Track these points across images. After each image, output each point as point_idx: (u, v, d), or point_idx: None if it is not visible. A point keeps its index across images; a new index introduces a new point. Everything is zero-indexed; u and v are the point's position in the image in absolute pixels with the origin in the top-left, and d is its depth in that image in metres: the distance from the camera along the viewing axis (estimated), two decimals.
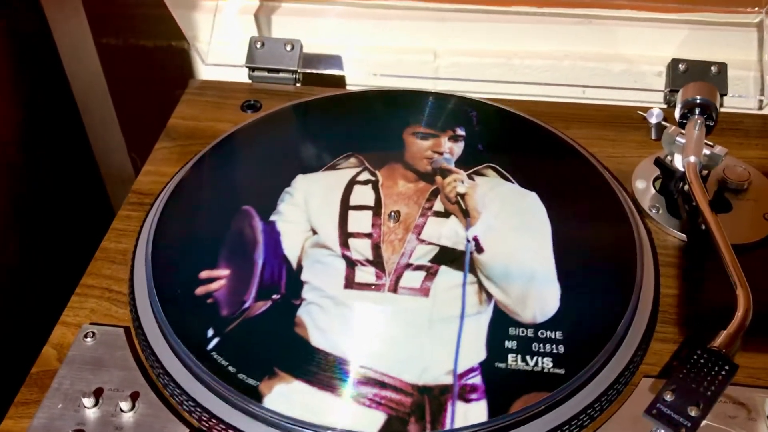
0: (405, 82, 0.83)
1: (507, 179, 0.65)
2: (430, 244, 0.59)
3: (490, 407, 0.47)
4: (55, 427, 0.49)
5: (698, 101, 0.64)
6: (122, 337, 0.54)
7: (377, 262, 0.57)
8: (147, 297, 0.55)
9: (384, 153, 0.67)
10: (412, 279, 0.56)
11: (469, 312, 0.53)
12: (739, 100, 0.78)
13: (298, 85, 0.80)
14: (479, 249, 0.58)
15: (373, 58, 0.87)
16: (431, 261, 0.57)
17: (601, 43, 0.87)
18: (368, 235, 0.59)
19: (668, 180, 0.64)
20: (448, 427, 0.46)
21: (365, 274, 0.56)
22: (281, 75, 0.79)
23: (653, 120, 0.64)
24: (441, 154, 0.67)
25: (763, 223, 0.62)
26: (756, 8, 0.80)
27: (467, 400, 0.48)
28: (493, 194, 0.63)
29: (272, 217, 0.61)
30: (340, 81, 0.88)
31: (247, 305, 0.54)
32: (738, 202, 0.64)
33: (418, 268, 0.57)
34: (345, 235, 0.59)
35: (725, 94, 0.74)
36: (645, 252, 0.59)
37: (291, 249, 0.58)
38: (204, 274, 0.56)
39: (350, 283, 0.56)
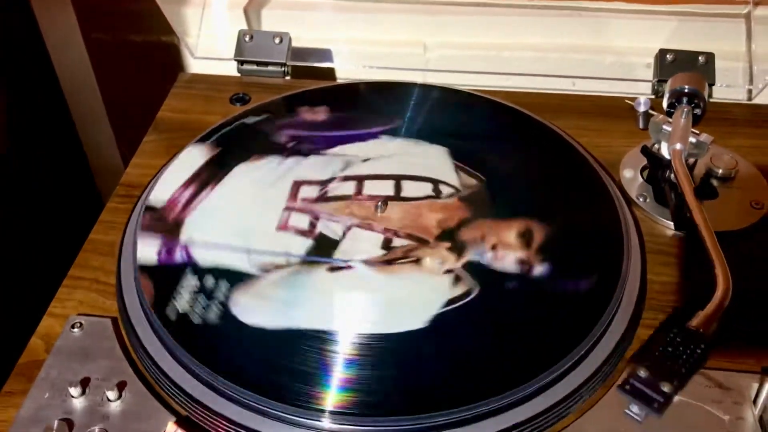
0: (395, 74, 0.83)
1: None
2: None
3: None
4: (41, 417, 0.49)
5: (686, 90, 0.64)
6: (109, 327, 0.54)
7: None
8: (134, 288, 0.55)
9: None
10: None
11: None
12: (727, 90, 0.78)
13: (287, 78, 0.80)
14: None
15: (362, 51, 0.88)
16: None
17: (591, 35, 0.87)
18: (387, 231, 0.59)
19: (655, 168, 0.64)
20: None
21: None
22: (270, 68, 0.80)
23: (641, 108, 0.64)
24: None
25: (750, 211, 0.62)
26: None
27: None
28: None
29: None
30: (329, 73, 0.88)
31: None
32: (725, 190, 0.64)
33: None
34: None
35: (713, 84, 0.74)
36: (632, 239, 0.59)
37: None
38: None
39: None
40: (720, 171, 0.65)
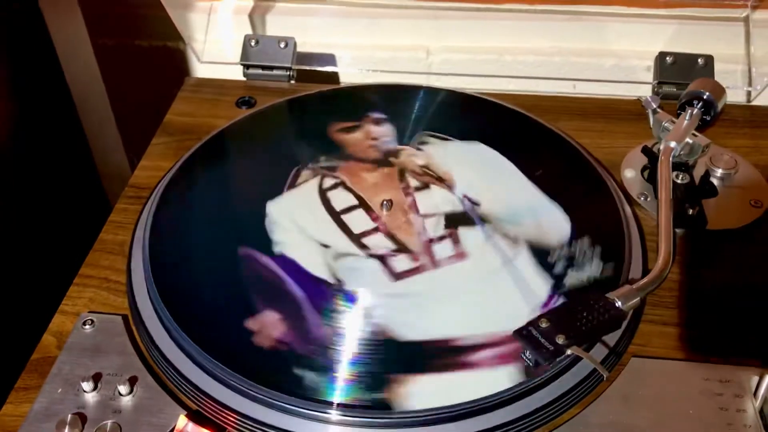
0: (398, 77, 0.84)
1: (446, 139, 0.68)
2: (434, 215, 0.61)
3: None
4: (55, 411, 0.49)
5: (704, 96, 0.66)
6: (120, 324, 0.55)
7: (403, 248, 0.58)
8: (144, 285, 0.56)
9: (326, 156, 0.67)
10: (444, 249, 0.58)
11: (510, 256, 0.57)
12: (727, 92, 0.79)
13: (292, 82, 0.81)
14: (475, 203, 0.61)
15: (366, 56, 0.89)
16: (446, 228, 0.59)
17: (592, 38, 0.88)
18: (376, 230, 0.60)
19: (656, 168, 0.65)
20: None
21: (402, 262, 0.57)
22: (275, 72, 0.81)
23: (654, 105, 0.66)
24: (376, 139, 0.69)
25: (749, 209, 0.63)
26: (742, 2, 0.81)
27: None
28: (447, 155, 0.67)
29: (276, 249, 0.58)
30: (333, 78, 0.89)
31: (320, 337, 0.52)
32: (725, 189, 0.65)
33: (441, 238, 0.59)
34: (356, 238, 0.59)
35: None
36: (633, 237, 0.60)
37: (318, 269, 0.57)
38: (253, 326, 0.53)
39: (396, 275, 0.56)
40: (720, 170, 0.66)
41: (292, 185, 0.64)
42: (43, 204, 0.83)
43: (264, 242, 0.59)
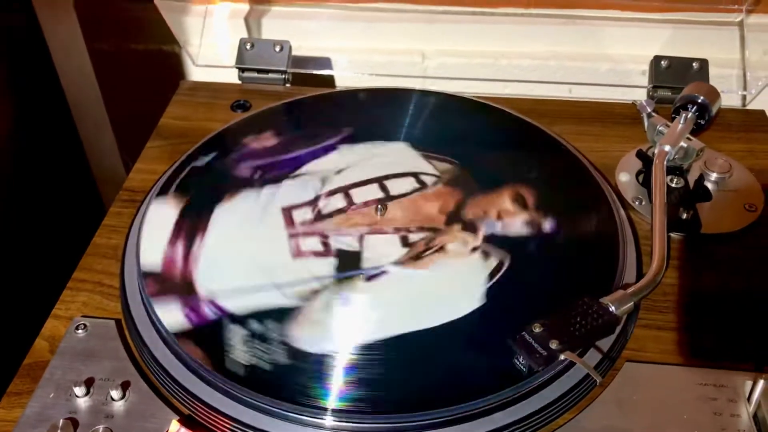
0: (394, 81, 0.84)
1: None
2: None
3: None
4: (47, 416, 0.49)
5: (699, 100, 0.66)
6: (113, 328, 0.55)
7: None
8: (138, 290, 0.56)
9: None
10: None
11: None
12: (722, 95, 0.79)
13: (288, 85, 0.81)
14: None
15: (361, 59, 0.89)
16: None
17: (587, 43, 0.88)
18: (398, 230, 0.60)
19: (650, 172, 0.65)
20: None
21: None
22: (271, 75, 0.81)
23: (648, 109, 0.65)
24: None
25: (744, 213, 0.63)
26: (736, 6, 0.81)
27: None
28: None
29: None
30: (329, 81, 0.89)
31: None
32: (720, 193, 0.65)
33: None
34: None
35: None
36: (627, 241, 0.60)
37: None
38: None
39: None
40: (714, 174, 0.66)
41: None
42: (37, 207, 0.83)
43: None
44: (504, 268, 0.56)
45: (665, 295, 0.57)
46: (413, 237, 0.59)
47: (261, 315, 0.53)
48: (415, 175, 0.65)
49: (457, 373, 0.50)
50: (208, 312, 0.54)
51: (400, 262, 0.57)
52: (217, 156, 0.68)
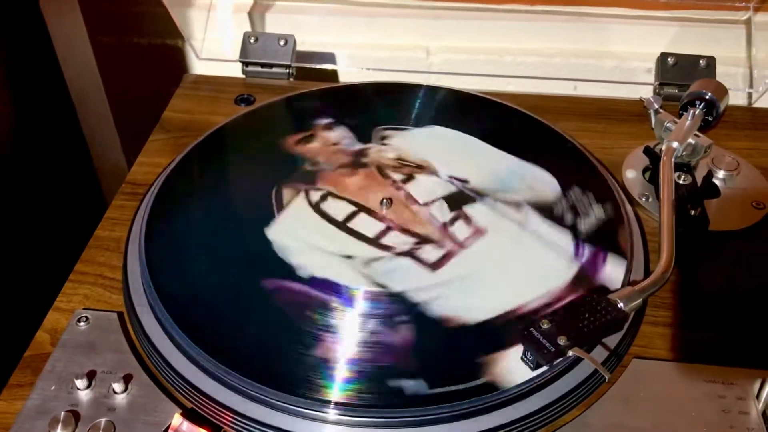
0: (398, 76, 0.84)
1: (403, 129, 0.69)
2: (434, 201, 0.61)
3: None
4: (48, 408, 0.49)
5: (707, 96, 0.65)
6: (115, 321, 0.55)
7: (424, 239, 0.58)
8: (140, 281, 0.56)
9: (296, 171, 0.65)
10: (461, 230, 0.59)
11: (522, 220, 0.59)
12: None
13: (291, 79, 0.81)
14: (464, 181, 0.62)
15: (365, 55, 0.88)
16: (452, 211, 0.60)
17: (592, 40, 0.88)
18: (388, 229, 0.59)
19: (658, 169, 0.65)
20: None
21: (431, 253, 0.57)
22: (275, 70, 0.80)
23: (656, 105, 0.65)
24: (336, 144, 0.68)
25: (751, 211, 0.63)
26: (744, 4, 0.80)
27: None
28: (412, 142, 0.68)
29: (302, 273, 0.55)
30: (333, 75, 0.89)
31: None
32: (727, 190, 0.65)
33: (453, 220, 0.59)
34: (374, 242, 0.58)
35: None
36: (635, 238, 0.59)
37: (355, 281, 0.55)
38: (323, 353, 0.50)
39: (432, 265, 0.56)
40: (722, 172, 0.65)
41: (281, 207, 0.61)
42: (39, 200, 0.82)
43: (280, 265, 0.56)
44: None
45: (673, 292, 0.57)
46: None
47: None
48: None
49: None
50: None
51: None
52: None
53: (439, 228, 0.58)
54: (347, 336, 0.51)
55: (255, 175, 0.66)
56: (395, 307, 0.53)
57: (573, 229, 0.58)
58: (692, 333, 0.54)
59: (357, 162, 0.66)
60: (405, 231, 0.59)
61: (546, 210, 0.60)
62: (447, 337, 0.51)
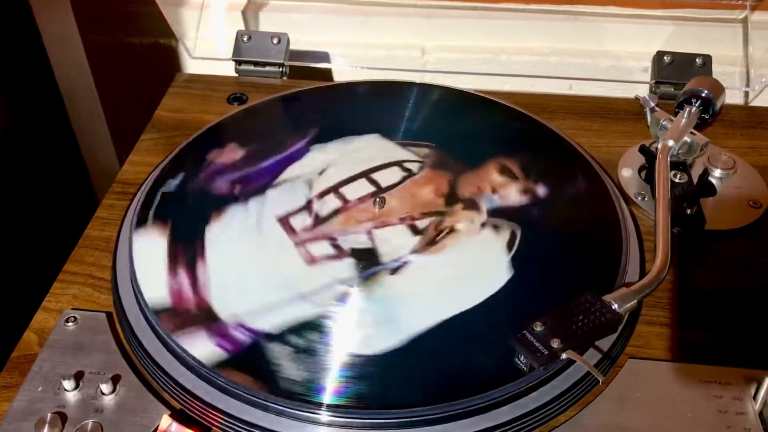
0: (393, 75, 0.83)
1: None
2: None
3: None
4: (35, 410, 0.48)
5: (703, 94, 0.64)
6: (104, 321, 0.54)
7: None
8: (129, 283, 0.55)
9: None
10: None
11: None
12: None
13: (284, 78, 0.80)
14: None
15: (360, 54, 0.88)
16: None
17: (588, 39, 0.87)
18: (402, 220, 0.59)
19: (654, 167, 0.64)
20: None
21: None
22: (268, 68, 0.79)
23: (652, 103, 0.64)
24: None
25: (748, 210, 0.62)
26: (741, 2, 0.80)
27: None
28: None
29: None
30: (327, 74, 0.88)
31: None
32: (724, 189, 0.64)
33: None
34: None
35: None
36: (630, 237, 0.59)
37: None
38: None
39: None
40: (718, 170, 0.65)
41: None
42: (29, 199, 0.81)
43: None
44: (519, 238, 0.57)
45: (669, 291, 0.56)
46: (421, 224, 0.59)
47: (297, 329, 0.51)
48: (398, 163, 0.64)
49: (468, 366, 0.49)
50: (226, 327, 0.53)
51: (417, 251, 0.56)
52: (188, 177, 0.64)
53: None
54: (336, 336, 0.50)
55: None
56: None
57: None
58: (688, 333, 0.53)
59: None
60: (414, 228, 0.59)
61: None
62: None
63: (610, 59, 0.87)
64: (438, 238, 0.57)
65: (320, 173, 0.64)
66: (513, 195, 0.61)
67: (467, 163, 0.64)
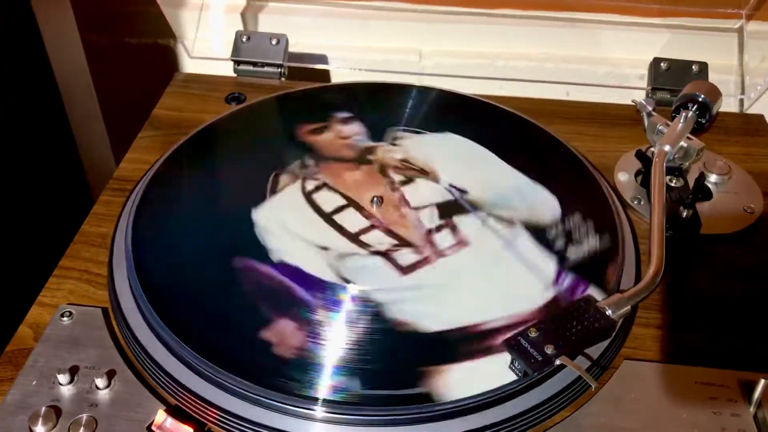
0: (391, 78, 0.84)
1: (418, 133, 0.68)
2: (426, 207, 0.60)
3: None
4: (29, 404, 0.48)
5: (699, 99, 0.64)
6: (100, 317, 0.54)
7: (404, 242, 0.57)
8: (126, 277, 0.55)
9: (302, 159, 0.65)
10: (445, 239, 0.58)
11: (509, 237, 0.57)
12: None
13: (283, 79, 0.80)
14: (463, 191, 0.61)
15: (358, 57, 0.88)
16: (441, 218, 0.59)
17: (585, 46, 0.88)
18: (372, 227, 0.59)
19: (650, 172, 0.64)
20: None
21: (406, 256, 0.56)
22: (266, 69, 0.80)
23: (649, 108, 0.65)
24: (347, 138, 0.68)
25: (742, 215, 0.63)
26: (736, 11, 0.81)
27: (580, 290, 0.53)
28: (422, 147, 0.67)
29: (275, 257, 0.56)
30: (325, 76, 0.88)
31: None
32: (719, 194, 0.65)
33: (439, 228, 0.58)
34: (354, 237, 0.58)
35: None
36: (627, 240, 0.59)
37: (322, 272, 0.55)
38: (271, 337, 0.50)
39: (403, 269, 0.55)
40: (714, 176, 0.65)
41: (274, 191, 0.62)
42: (26, 196, 0.81)
43: (257, 248, 0.56)
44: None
45: (665, 294, 0.56)
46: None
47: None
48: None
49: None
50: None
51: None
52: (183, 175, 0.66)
53: (423, 234, 0.58)
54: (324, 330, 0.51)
55: (253, 163, 0.66)
56: (353, 304, 0.52)
57: (560, 255, 0.56)
58: (684, 335, 0.54)
59: (362, 158, 0.65)
60: (388, 231, 0.58)
61: (539, 232, 0.58)
62: (395, 341, 0.50)
63: (606, 66, 0.88)
64: (417, 167, 0.63)
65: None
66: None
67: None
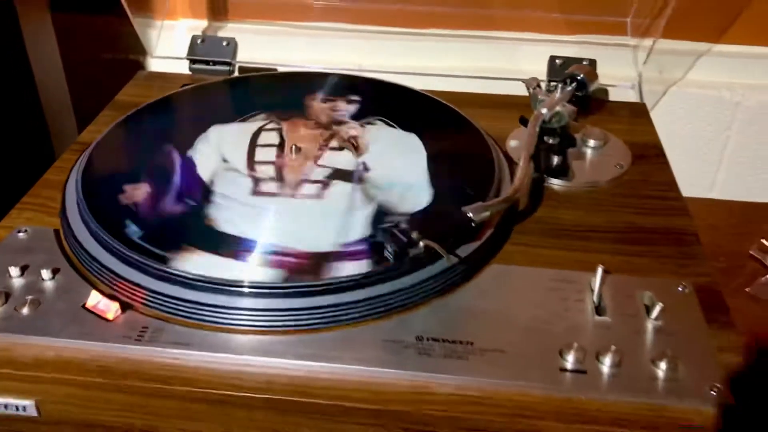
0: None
1: (393, 127, 0.77)
2: (327, 167, 0.70)
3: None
4: None
5: (579, 77, 0.78)
6: (51, 234, 0.63)
7: (279, 179, 0.67)
8: (75, 197, 0.65)
9: (289, 112, 0.78)
10: (310, 189, 0.67)
11: (356, 206, 0.64)
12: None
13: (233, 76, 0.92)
14: (366, 168, 0.70)
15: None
16: (326, 177, 0.68)
17: (503, 59, 1.00)
18: (272, 163, 0.70)
19: None
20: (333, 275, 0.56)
21: (269, 186, 0.67)
22: (218, 67, 0.91)
23: (534, 84, 0.77)
24: (335, 111, 0.79)
25: (612, 170, 0.73)
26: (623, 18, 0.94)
27: (350, 259, 0.58)
28: (379, 136, 0.76)
29: (188, 153, 0.71)
30: None
31: (165, 207, 0.63)
32: (596, 157, 0.75)
33: (315, 182, 0.68)
34: (252, 162, 0.69)
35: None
36: (505, 182, 0.69)
37: (205, 172, 0.68)
38: (128, 187, 0.66)
39: (256, 192, 0.66)
40: (592, 141, 0.76)
41: (244, 120, 0.76)
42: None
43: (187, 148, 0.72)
44: None
45: (537, 223, 0.66)
46: (334, 144, 0.74)
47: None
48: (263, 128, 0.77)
49: None
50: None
51: (360, 155, 0.72)
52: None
53: (299, 180, 0.67)
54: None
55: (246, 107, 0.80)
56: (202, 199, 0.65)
57: (373, 236, 0.60)
58: (548, 251, 0.63)
59: (327, 125, 0.76)
60: (278, 169, 0.69)
61: (382, 216, 0.63)
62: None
63: (522, 77, 0.99)
64: (355, 143, 0.73)
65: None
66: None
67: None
